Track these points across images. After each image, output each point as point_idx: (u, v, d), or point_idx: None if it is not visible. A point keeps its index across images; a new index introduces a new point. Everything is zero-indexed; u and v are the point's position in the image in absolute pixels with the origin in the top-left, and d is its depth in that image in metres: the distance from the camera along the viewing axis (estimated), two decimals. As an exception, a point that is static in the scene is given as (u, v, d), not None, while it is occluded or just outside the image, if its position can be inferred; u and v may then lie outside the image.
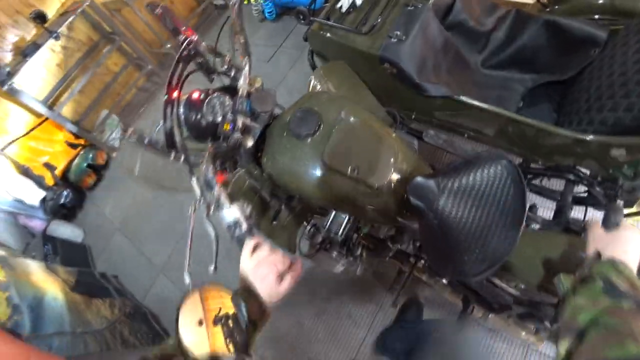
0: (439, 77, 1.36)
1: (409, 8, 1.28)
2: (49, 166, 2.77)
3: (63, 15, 2.57)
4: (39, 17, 2.30)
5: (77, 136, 2.88)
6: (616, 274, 0.50)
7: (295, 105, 0.98)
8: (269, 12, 2.88)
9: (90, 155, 2.86)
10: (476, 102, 1.23)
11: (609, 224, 0.61)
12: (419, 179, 0.91)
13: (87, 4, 2.51)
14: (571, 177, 1.27)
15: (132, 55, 3.04)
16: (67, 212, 2.81)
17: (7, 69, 2.32)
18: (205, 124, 0.96)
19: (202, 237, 0.74)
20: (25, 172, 2.71)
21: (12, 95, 2.39)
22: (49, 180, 2.78)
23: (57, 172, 2.79)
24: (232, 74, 1.04)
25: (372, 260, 1.39)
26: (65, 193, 2.76)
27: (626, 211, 1.30)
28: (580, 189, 1.39)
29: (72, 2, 2.63)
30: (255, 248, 0.69)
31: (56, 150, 2.79)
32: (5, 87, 2.32)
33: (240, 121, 0.92)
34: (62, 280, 1.95)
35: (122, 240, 2.54)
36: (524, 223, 0.78)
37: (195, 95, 0.97)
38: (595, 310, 0.46)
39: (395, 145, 0.95)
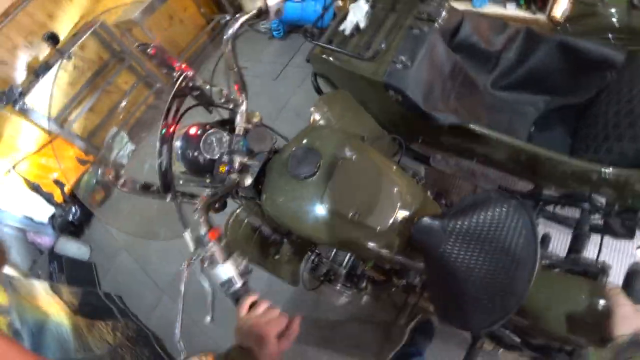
0: (447, 103, 1.31)
1: (414, 31, 1.24)
2: (58, 183, 2.80)
3: (75, 35, 2.63)
4: (52, 38, 2.36)
5: (86, 153, 2.92)
6: None
7: (295, 140, 0.95)
8: (276, 30, 2.89)
9: (99, 172, 2.88)
10: (486, 131, 1.18)
11: (635, 293, 0.56)
12: (425, 220, 0.86)
13: (98, 24, 2.56)
14: (586, 206, 1.19)
15: (141, 74, 3.08)
16: (74, 229, 2.83)
17: (20, 89, 2.37)
18: (202, 161, 0.94)
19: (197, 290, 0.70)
20: (35, 189, 2.75)
21: (24, 114, 2.44)
22: (58, 197, 2.81)
23: (67, 189, 2.83)
24: (231, 106, 1.02)
25: (377, 292, 1.33)
26: (73, 210, 2.79)
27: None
28: (596, 217, 1.31)
29: (83, 22, 2.69)
30: (251, 306, 0.66)
31: (66, 167, 2.83)
32: (17, 107, 2.37)
33: (237, 161, 0.90)
34: (65, 302, 1.94)
35: (127, 259, 2.54)
36: (534, 275, 0.72)
37: (193, 130, 0.95)
38: None
39: (400, 183, 0.90)
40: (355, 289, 1.27)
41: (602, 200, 1.22)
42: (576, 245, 1.22)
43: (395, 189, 0.88)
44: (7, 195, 2.63)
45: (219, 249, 0.69)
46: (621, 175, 1.01)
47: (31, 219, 2.70)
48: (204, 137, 0.94)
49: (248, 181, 0.92)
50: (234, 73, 0.91)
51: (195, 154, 0.93)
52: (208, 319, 0.70)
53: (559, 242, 1.54)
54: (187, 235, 0.75)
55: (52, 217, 2.77)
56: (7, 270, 2.20)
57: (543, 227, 1.62)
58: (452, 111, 1.26)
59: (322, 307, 1.73)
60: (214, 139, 0.96)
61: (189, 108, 0.93)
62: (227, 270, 0.67)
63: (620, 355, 0.50)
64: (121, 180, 0.88)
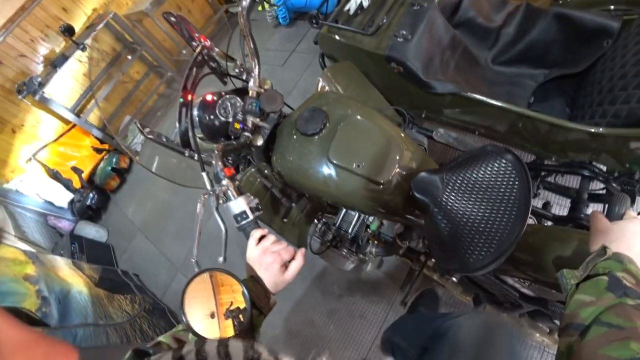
0: (447, 74, 1.36)
1: (415, 7, 1.29)
2: (76, 170, 2.94)
3: (89, 27, 2.74)
4: (68, 31, 2.46)
5: (102, 141, 3.04)
6: (621, 270, 0.47)
7: (304, 104, 1.02)
8: (282, 18, 2.95)
9: (114, 160, 3.01)
10: (484, 98, 1.23)
11: (612, 214, 0.60)
12: (423, 174, 0.92)
13: (111, 16, 2.66)
14: (586, 173, 1.24)
15: (152, 64, 3.19)
16: (92, 214, 2.96)
17: (39, 79, 2.49)
18: (218, 124, 1.01)
19: (212, 233, 0.77)
20: (55, 175, 2.89)
21: (43, 103, 2.57)
22: (77, 183, 2.94)
23: (84, 175, 2.96)
24: (244, 77, 1.10)
25: (382, 258, 1.40)
26: (91, 195, 2.92)
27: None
28: (598, 186, 1.35)
29: (96, 15, 2.80)
30: (261, 239, 0.72)
31: (83, 155, 2.96)
32: (37, 97, 2.49)
33: (250, 121, 0.98)
34: (87, 276, 2.06)
35: (142, 241, 2.66)
36: (528, 216, 0.78)
37: (209, 97, 1.02)
38: (598, 307, 0.44)
39: (400, 141, 0.97)
40: (361, 254, 1.34)
41: (601, 166, 1.27)
42: (574, 211, 1.27)
43: (396, 146, 0.94)
44: (29, 182, 2.76)
45: (233, 186, 0.75)
46: (613, 134, 1.05)
47: (52, 204, 2.84)
48: (219, 102, 1.02)
49: (260, 141, 0.99)
50: (247, 41, 0.98)
51: (212, 117, 1.01)
52: (221, 259, 0.76)
53: (560, 211, 1.59)
54: (205, 175, 0.81)
55: (71, 202, 2.90)
56: (31, 249, 2.33)
57: (544, 198, 1.67)
58: (451, 81, 1.31)
59: (329, 279, 1.80)
60: (228, 104, 1.04)
61: (205, 75, 1.01)
62: (240, 203, 0.73)
63: (588, 266, 0.51)
64: (147, 130, 0.97)
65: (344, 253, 1.35)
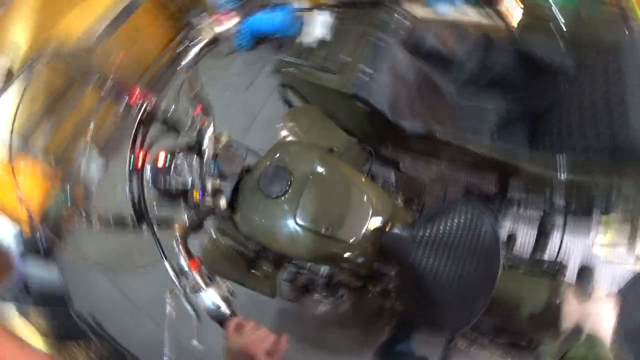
0: (413, 109, 1.36)
1: (378, 43, 1.28)
2: (24, 200, 2.66)
3: (30, 63, 2.49)
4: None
5: (55, 170, 2.79)
6: (594, 357, 0.54)
7: (266, 158, 0.96)
8: (246, 41, 2.87)
9: (68, 189, 2.76)
10: (449, 139, 1.23)
11: (581, 294, 0.63)
12: (394, 232, 0.89)
13: (51, 55, 2.44)
14: (546, 208, 1.28)
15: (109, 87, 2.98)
16: (42, 249, 2.70)
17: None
18: (175, 188, 0.92)
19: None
20: (-2, 208, 2.60)
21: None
22: (24, 215, 2.67)
23: (34, 206, 2.69)
24: (197, 130, 1.01)
25: (355, 299, 1.36)
26: (41, 228, 2.65)
27: (600, 241, 1.33)
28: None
29: (37, 47, 2.56)
30: (238, 327, 0.68)
31: (32, 184, 2.70)
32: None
33: (209, 185, 0.90)
34: (33, 325, 1.86)
35: (101, 278, 2.44)
36: (499, 274, 0.77)
37: (161, 159, 0.93)
38: None
39: (370, 193, 0.93)
40: (333, 298, 1.29)
41: (560, 201, 1.32)
42: (539, 244, 1.31)
43: (366, 200, 0.91)
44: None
45: (201, 275, 0.71)
46: (573, 180, 1.09)
47: (-5, 240, 2.55)
48: (172, 163, 0.93)
49: (223, 203, 0.92)
50: (196, 98, 0.91)
51: (166, 181, 0.91)
52: (195, 343, 0.71)
53: (525, 239, 1.63)
54: (168, 266, 0.74)
55: (20, 234, 2.62)
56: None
57: (510, 226, 1.72)
58: (418, 116, 1.31)
59: (302, 319, 1.74)
60: (184, 164, 0.94)
61: (155, 140, 0.92)
62: (210, 296, 0.69)
63: (563, 345, 0.57)
64: (94, 217, 0.86)
65: (316, 297, 1.29)
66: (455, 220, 0.86)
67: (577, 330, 0.60)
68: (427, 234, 0.87)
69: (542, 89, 1.33)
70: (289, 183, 0.88)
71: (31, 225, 2.67)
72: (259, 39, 2.90)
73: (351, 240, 0.87)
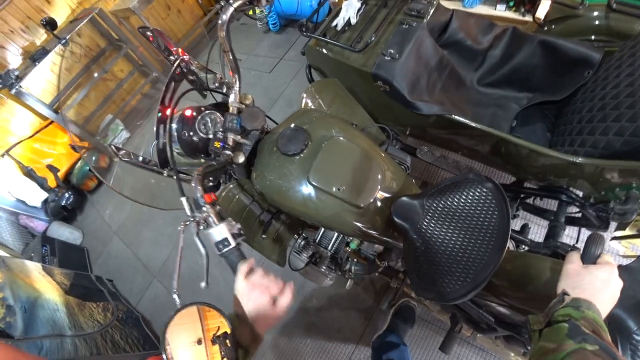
0: (433, 95, 1.37)
1: (404, 26, 1.29)
2: (52, 168, 2.82)
3: (72, 22, 2.64)
4: (49, 24, 2.37)
5: (81, 139, 2.93)
6: (579, 317, 0.50)
7: (286, 122, 1.00)
8: (272, 24, 2.92)
9: (93, 159, 2.90)
10: (468, 121, 1.23)
11: (587, 256, 0.61)
12: (404, 199, 0.91)
13: (96, 12, 2.58)
14: (563, 197, 1.26)
15: (137, 63, 3.11)
16: (67, 214, 2.85)
17: (16, 73, 2.38)
18: (197, 141, 0.98)
19: (194, 255, 0.75)
20: (29, 173, 2.76)
21: (20, 98, 2.46)
22: (52, 182, 2.82)
23: (60, 174, 2.84)
24: (224, 90, 1.07)
25: (361, 275, 1.38)
26: (66, 195, 2.81)
27: (619, 233, 1.29)
28: (574, 209, 1.38)
29: (81, 9, 2.71)
30: (248, 272, 0.69)
31: (59, 153, 2.85)
32: (13, 90, 2.38)
33: (230, 138, 0.95)
34: (57, 282, 1.97)
35: (119, 245, 2.57)
36: (506, 247, 0.78)
37: (188, 112, 0.99)
38: (560, 353, 0.46)
39: (383, 164, 0.96)
40: (339, 271, 1.32)
41: (578, 192, 1.29)
42: (552, 234, 1.29)
43: (378, 169, 0.93)
44: (1, 179, 2.63)
45: (214, 212, 0.73)
46: (589, 164, 1.07)
47: (24, 203, 2.72)
48: (199, 117, 0.99)
49: (241, 159, 0.96)
50: (227, 56, 0.95)
51: (191, 134, 0.97)
52: (203, 284, 0.72)
53: (538, 233, 1.62)
54: (185, 201, 0.78)
55: (45, 202, 2.78)
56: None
57: (523, 218, 1.70)
58: (437, 103, 1.32)
59: (308, 293, 1.78)
60: (208, 120, 1.00)
61: (185, 92, 0.97)
62: (221, 230, 0.70)
63: (550, 311, 0.54)
64: (122, 152, 0.93)
65: (322, 270, 1.33)
66: (466, 193, 0.87)
67: (563, 295, 0.56)
68: (436, 204, 0.88)
69: (565, 79, 1.31)
70: (306, 143, 0.92)
71: (57, 191, 2.83)
72: (286, 22, 2.95)
73: (361, 205, 0.90)
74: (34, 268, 1.95)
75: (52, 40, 2.52)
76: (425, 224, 0.87)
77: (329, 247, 1.31)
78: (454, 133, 1.39)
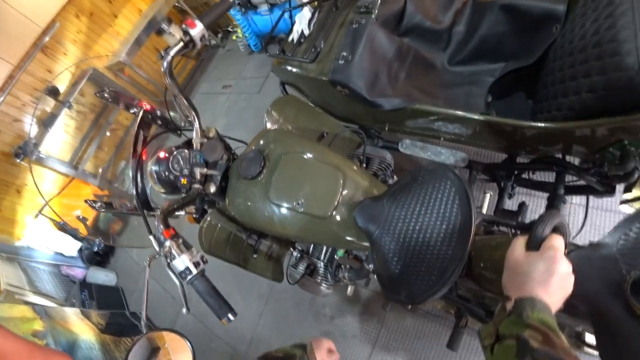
0: (396, 87, 1.34)
1: (354, 26, 1.28)
2: (81, 219, 3.06)
3: (74, 85, 2.88)
4: (52, 92, 2.60)
5: (101, 188, 3.17)
6: (524, 327, 0.45)
7: (249, 146, 1.04)
8: (254, 45, 3.00)
9: (114, 205, 3.12)
10: (435, 108, 1.19)
11: (532, 240, 0.56)
12: (365, 202, 0.90)
13: (91, 72, 2.79)
14: (558, 168, 1.18)
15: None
16: (100, 259, 3.08)
17: (33, 141, 2.63)
18: (173, 179, 1.04)
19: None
20: (62, 227, 3.02)
21: (40, 162, 2.71)
22: (83, 231, 3.07)
23: (89, 223, 3.08)
24: (189, 125, 1.12)
25: (356, 280, 1.37)
26: (97, 241, 3.04)
27: (629, 196, 1.18)
28: (575, 178, 1.28)
29: (79, 71, 2.94)
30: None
31: (85, 204, 3.09)
32: (34, 157, 2.63)
33: (197, 173, 0.99)
34: (93, 323, 2.13)
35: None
36: (469, 242, 0.74)
37: (162, 154, 1.06)
38: None
39: (343, 170, 0.95)
40: (334, 280, 1.32)
41: (575, 160, 1.20)
42: (552, 207, 1.21)
43: (338, 177, 0.93)
44: (38, 236, 2.90)
45: (176, 244, 0.79)
46: (570, 129, 0.99)
47: (62, 254, 2.97)
48: (171, 157, 1.05)
49: (212, 189, 1.00)
50: (179, 99, 1.01)
51: (167, 173, 1.04)
52: (184, 310, 0.81)
53: (537, 209, 1.51)
54: (152, 238, 0.85)
55: (80, 250, 3.03)
56: (44, 301, 2.44)
57: (524, 194, 1.60)
58: (402, 94, 1.29)
59: (319, 302, 1.78)
60: (180, 158, 1.06)
61: (154, 136, 1.05)
62: (183, 260, 0.76)
63: (495, 323, 0.49)
64: (98, 204, 1.01)
65: (317, 280, 1.33)
66: (424, 188, 0.84)
67: (504, 302, 0.51)
68: (397, 202, 0.87)
69: (534, 40, 1.23)
70: (262, 165, 0.94)
71: (89, 239, 3.07)
72: (267, 40, 3.02)
73: (324, 215, 0.90)
74: (73, 313, 2.13)
75: (58, 105, 2.76)
76: (388, 224, 0.86)
77: (322, 257, 1.31)
78: (431, 121, 1.35)
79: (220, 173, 1.03)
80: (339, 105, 1.53)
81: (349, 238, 0.95)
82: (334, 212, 0.91)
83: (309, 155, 0.96)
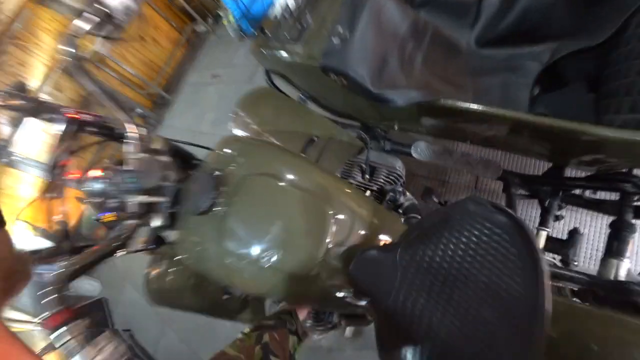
0: (411, 75, 1.01)
1: (354, -5, 0.96)
2: (62, 224, 2.83)
3: (48, 78, 2.61)
4: (18, 88, 2.33)
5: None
6: None
7: (205, 163, 0.75)
8: (246, 29, 2.68)
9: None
10: (465, 105, 0.87)
11: None
12: (367, 254, 0.60)
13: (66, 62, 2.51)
14: (628, 187, 0.86)
15: (123, 103, 3.02)
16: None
17: (2, 143, 2.38)
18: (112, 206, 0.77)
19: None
20: (42, 233, 2.80)
21: (13, 166, 2.46)
22: (63, 237, 2.84)
23: (70, 227, 2.85)
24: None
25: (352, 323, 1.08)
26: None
27: None
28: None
29: (55, 64, 2.66)
30: None
31: (67, 207, 2.85)
32: (5, 160, 2.38)
33: (130, 203, 0.70)
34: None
35: (132, 292, 2.50)
36: (543, 337, 0.43)
37: (93, 173, 0.79)
38: None
39: (337, 202, 0.65)
40: (329, 326, 1.03)
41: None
42: (617, 241, 0.89)
43: (326, 212, 0.63)
44: (17, 242, 2.68)
45: (75, 332, 0.50)
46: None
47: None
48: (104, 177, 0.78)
49: (157, 222, 0.73)
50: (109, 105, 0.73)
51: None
52: None
53: (594, 236, 1.18)
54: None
55: (62, 258, 2.81)
56: (18, 316, 2.23)
57: (573, 217, 1.28)
58: (419, 85, 0.97)
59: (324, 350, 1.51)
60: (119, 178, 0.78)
61: (80, 149, 0.79)
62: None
63: None
64: None
65: (308, 325, 1.05)
66: (460, 239, 0.53)
67: None
68: (416, 259, 0.56)
69: (603, 12, 0.88)
70: (216, 195, 0.64)
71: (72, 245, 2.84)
72: (259, 24, 2.70)
73: (303, 272, 0.61)
74: (41, 339, 1.90)
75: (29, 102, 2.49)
76: (404, 292, 0.55)
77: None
78: (455, 119, 1.02)
79: (170, 199, 0.74)
80: (336, 98, 1.22)
81: (343, 297, 0.65)
82: (319, 269, 0.61)
83: (287, 176, 0.66)
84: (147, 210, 0.75)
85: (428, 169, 1.52)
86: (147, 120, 3.19)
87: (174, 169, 0.79)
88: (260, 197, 0.64)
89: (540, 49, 1.03)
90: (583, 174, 1.01)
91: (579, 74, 0.96)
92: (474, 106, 0.86)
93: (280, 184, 0.64)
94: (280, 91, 1.36)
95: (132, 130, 0.75)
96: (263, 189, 0.64)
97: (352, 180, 1.07)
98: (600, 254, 0.99)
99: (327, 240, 0.62)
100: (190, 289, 0.93)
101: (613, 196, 1.00)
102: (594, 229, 1.19)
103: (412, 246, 0.57)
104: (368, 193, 1.06)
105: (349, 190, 0.71)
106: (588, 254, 1.16)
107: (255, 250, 0.61)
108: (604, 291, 0.72)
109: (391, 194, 1.01)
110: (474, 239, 0.52)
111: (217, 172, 0.69)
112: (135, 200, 0.71)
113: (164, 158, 0.77)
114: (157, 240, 0.85)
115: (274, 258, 0.60)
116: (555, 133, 0.81)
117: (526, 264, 0.47)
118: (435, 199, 1.22)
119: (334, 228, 0.63)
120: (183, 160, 0.90)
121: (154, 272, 0.90)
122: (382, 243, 0.68)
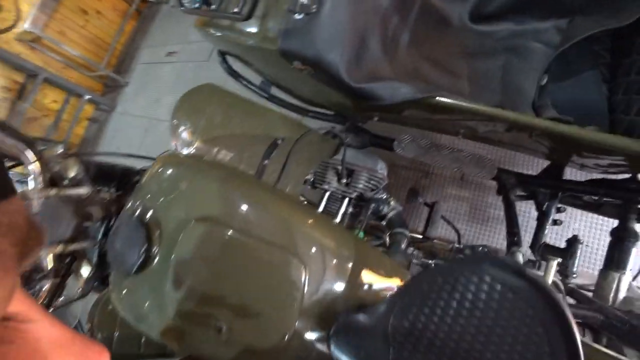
0: (395, 58, 0.82)
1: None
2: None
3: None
4: None
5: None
6: None
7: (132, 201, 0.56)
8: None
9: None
10: (464, 104, 0.71)
11: None
12: (348, 319, 0.46)
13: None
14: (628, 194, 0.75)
15: (68, 87, 2.64)
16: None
17: None
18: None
19: None
20: None
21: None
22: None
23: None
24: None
25: None
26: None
27: None
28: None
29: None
30: None
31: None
32: None
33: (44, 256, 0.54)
34: None
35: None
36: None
37: None
38: None
39: (306, 245, 0.49)
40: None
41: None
42: (617, 251, 0.80)
43: (297, 267, 0.47)
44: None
45: None
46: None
47: None
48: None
49: (86, 272, 0.60)
50: None
51: None
52: None
53: (596, 243, 1.09)
54: None
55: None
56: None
57: (573, 224, 1.18)
58: (405, 71, 0.79)
59: None
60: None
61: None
62: None
63: None
64: None
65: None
66: (464, 303, 0.39)
67: None
68: (410, 329, 0.42)
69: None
70: (145, 248, 0.47)
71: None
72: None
73: (269, 347, 0.46)
74: None
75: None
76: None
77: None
78: (448, 116, 0.86)
79: (96, 243, 0.59)
80: (306, 89, 1.02)
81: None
82: (290, 339, 0.46)
83: (235, 220, 0.48)
84: (70, 261, 0.59)
85: (410, 159, 1.38)
86: (99, 107, 2.84)
87: (98, 201, 0.62)
88: (203, 251, 0.47)
89: (546, 25, 0.86)
90: (583, 175, 0.90)
91: (593, 61, 0.81)
92: (474, 106, 0.70)
93: (227, 232, 0.46)
94: (241, 77, 1.15)
95: (31, 159, 0.55)
96: (205, 242, 0.47)
97: (326, 186, 0.92)
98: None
99: (296, 302, 0.46)
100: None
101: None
102: (595, 235, 1.11)
103: (407, 314, 0.42)
104: (346, 201, 0.91)
105: (321, 224, 0.54)
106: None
107: (203, 321, 0.45)
108: (623, 329, 0.62)
109: (373, 205, 0.87)
110: (491, 313, 0.38)
111: (149, 214, 0.51)
112: (48, 255, 0.54)
113: (82, 190, 0.59)
114: (101, 280, 0.68)
115: (230, 334, 0.45)
116: (567, 136, 0.67)
117: (556, 351, 0.34)
118: (420, 200, 1.08)
119: (305, 285, 0.47)
120: (119, 179, 0.70)
121: (97, 320, 0.72)
122: (367, 295, 0.53)
